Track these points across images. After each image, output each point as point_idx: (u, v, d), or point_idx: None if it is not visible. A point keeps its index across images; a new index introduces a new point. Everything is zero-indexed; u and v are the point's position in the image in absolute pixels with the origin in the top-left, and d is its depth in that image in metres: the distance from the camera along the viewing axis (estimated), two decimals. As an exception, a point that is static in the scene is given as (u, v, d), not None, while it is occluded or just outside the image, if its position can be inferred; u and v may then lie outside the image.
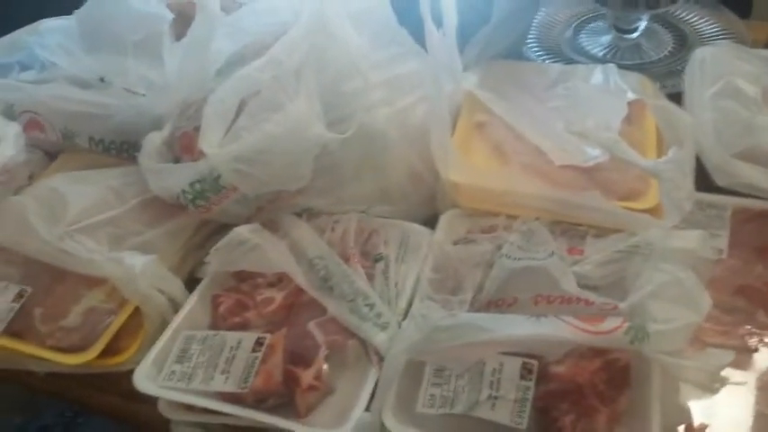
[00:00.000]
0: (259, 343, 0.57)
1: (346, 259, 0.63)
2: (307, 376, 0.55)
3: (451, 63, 0.69)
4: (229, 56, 0.76)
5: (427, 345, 0.51)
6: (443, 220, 0.67)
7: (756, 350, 0.59)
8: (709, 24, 0.94)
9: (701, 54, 0.74)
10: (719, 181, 0.68)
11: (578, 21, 0.98)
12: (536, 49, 0.94)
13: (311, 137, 0.64)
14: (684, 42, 0.93)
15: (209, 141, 0.65)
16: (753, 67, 0.74)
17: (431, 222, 0.69)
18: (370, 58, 0.71)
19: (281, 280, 0.63)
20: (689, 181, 0.60)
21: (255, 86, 0.67)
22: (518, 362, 0.53)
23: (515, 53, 0.90)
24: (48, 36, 0.87)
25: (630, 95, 0.70)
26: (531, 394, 0.51)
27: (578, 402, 0.51)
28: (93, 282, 0.64)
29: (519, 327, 0.51)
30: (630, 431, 0.52)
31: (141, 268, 0.61)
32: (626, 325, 0.50)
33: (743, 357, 0.59)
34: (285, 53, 0.67)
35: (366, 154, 0.70)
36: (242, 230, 0.64)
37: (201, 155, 0.65)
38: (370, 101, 0.70)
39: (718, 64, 0.71)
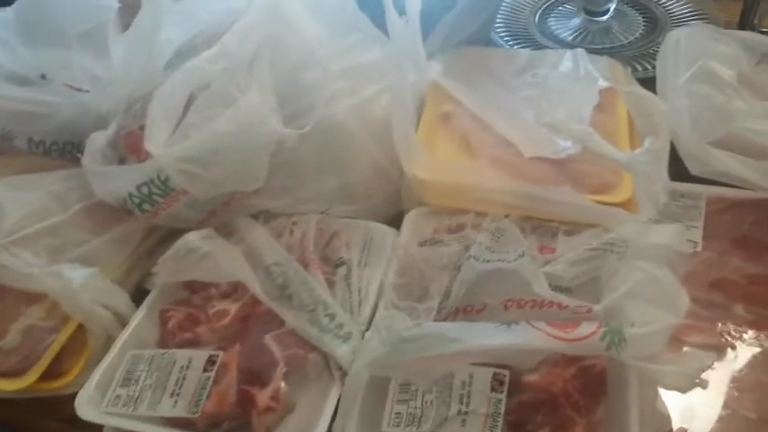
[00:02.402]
0: (211, 361, 0.53)
1: (305, 265, 0.59)
2: (263, 396, 0.51)
3: (415, 51, 0.66)
4: (179, 46, 0.72)
5: (391, 358, 0.48)
6: (408, 220, 0.64)
7: (734, 348, 0.57)
8: (681, 5, 0.91)
9: (675, 36, 0.70)
10: (693, 169, 0.66)
11: (547, 4, 0.94)
12: (504, 34, 0.90)
13: (266, 133, 0.60)
14: (656, 24, 0.90)
15: (155, 141, 0.60)
16: (728, 49, 0.71)
17: (397, 221, 0.65)
18: (329, 46, 0.67)
19: (236, 290, 0.59)
20: (664, 173, 0.57)
21: (205, 79, 0.62)
22: (489, 373, 0.50)
23: (483, 39, 0.86)
24: (-18, 30, 0.81)
25: (601, 83, 0.67)
26: (503, 407, 0.48)
27: (553, 413, 0.48)
28: (33, 298, 0.59)
29: (489, 336, 0.48)
30: (608, 441, 0.49)
31: (82, 282, 0.57)
32: (601, 330, 0.47)
33: (722, 356, 0.56)
34: (237, 43, 0.63)
35: (326, 149, 0.65)
36: (192, 237, 0.60)
37: (148, 155, 0.60)
38: (330, 92, 0.65)
39: (692, 46, 0.68)
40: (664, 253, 0.53)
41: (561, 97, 0.66)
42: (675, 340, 0.57)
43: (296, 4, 0.64)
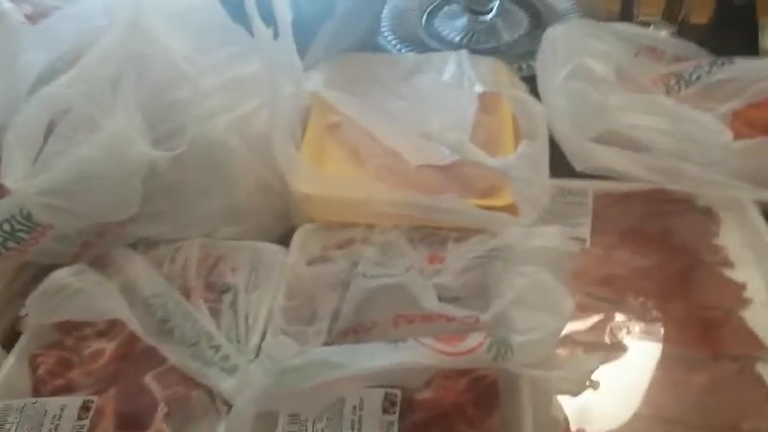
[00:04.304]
0: (85, 408, 0.49)
1: (188, 294, 0.56)
2: (143, 441, 0.48)
3: (289, 63, 0.63)
4: (41, 70, 0.67)
5: (275, 390, 0.46)
6: (296, 238, 0.61)
7: (627, 344, 0.57)
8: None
9: (552, 33, 0.71)
10: (578, 166, 0.66)
11: (432, 5, 0.94)
12: (391, 38, 0.89)
13: (134, 157, 0.56)
14: (539, 20, 0.91)
15: (13, 174, 0.55)
16: (604, 44, 0.73)
17: (289, 238, 0.63)
18: (201, 61, 0.64)
19: (113, 327, 0.55)
20: (543, 175, 0.57)
21: (64, 104, 0.58)
22: (380, 394, 0.48)
23: (370, 44, 0.85)
24: None
25: (478, 87, 0.66)
26: (395, 429, 0.47)
27: (447, 430, 0.47)
28: None
29: (375, 357, 0.46)
30: (505, 450, 0.49)
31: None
32: (487, 341, 0.47)
33: (615, 353, 0.57)
34: (96, 63, 0.59)
35: (207, 169, 0.62)
36: (60, 274, 0.56)
37: (8, 191, 0.56)
38: (206, 109, 0.62)
39: (568, 43, 0.69)
40: (548, 256, 0.53)
41: (439, 104, 0.65)
42: (569, 340, 0.57)
43: (160, 19, 0.61)
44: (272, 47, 0.59)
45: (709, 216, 0.67)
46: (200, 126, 0.61)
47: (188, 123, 0.60)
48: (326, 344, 0.52)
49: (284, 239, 0.63)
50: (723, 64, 0.75)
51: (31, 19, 0.74)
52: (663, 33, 0.82)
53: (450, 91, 0.68)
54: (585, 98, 0.64)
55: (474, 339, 0.47)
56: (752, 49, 0.81)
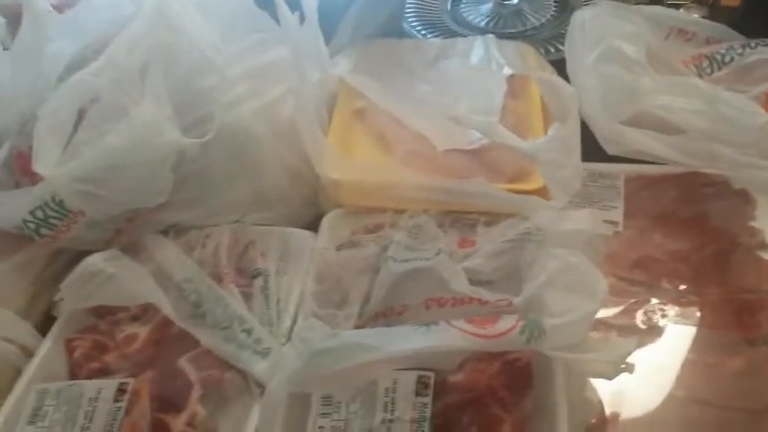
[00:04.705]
0: (121, 390, 0.50)
1: (219, 279, 0.56)
2: (178, 423, 0.48)
3: (316, 48, 0.63)
4: (70, 59, 0.67)
5: (308, 373, 0.46)
6: (325, 223, 0.61)
7: (660, 327, 0.56)
8: (590, -17, 0.91)
9: (579, 16, 0.70)
10: (610, 150, 0.65)
11: (457, -10, 0.93)
12: (416, 23, 0.89)
13: (164, 144, 0.57)
14: (567, 4, 0.89)
15: (45, 162, 0.56)
16: (633, 26, 0.71)
17: (318, 224, 0.63)
18: (227, 48, 0.64)
19: (146, 312, 0.56)
20: (574, 158, 0.56)
21: (93, 93, 0.58)
22: (413, 377, 0.47)
23: (394, 30, 0.84)
24: None
25: (507, 70, 0.66)
26: (428, 411, 0.46)
27: (480, 413, 0.47)
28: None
29: (407, 340, 0.46)
30: (538, 433, 0.48)
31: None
32: (520, 324, 0.46)
33: (648, 336, 0.56)
34: (124, 52, 0.59)
35: (234, 156, 0.63)
36: (94, 260, 0.56)
37: (40, 177, 0.56)
38: (232, 96, 0.62)
39: (597, 26, 0.68)
40: (580, 238, 0.52)
41: (466, 88, 0.65)
42: (602, 323, 0.56)
43: (186, 8, 0.61)
44: (298, 33, 0.59)
45: (744, 199, 0.65)
46: (227, 113, 0.61)
47: (215, 111, 0.60)
48: (357, 327, 0.52)
49: (313, 225, 0.63)
50: (756, 46, 0.74)
51: (58, 8, 0.75)
52: (694, 15, 0.81)
53: (477, 74, 0.67)
54: (617, 80, 0.63)
55: (507, 322, 0.47)
56: (784, 31, 0.79)
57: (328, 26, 0.71)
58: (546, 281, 0.49)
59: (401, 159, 0.65)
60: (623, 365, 0.48)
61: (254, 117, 0.63)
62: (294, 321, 0.55)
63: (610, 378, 0.48)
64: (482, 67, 0.69)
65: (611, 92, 0.63)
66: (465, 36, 0.83)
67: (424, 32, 0.87)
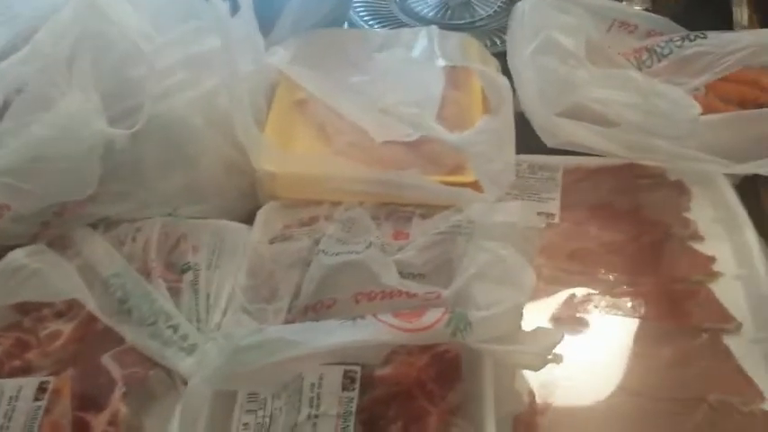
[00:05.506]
0: (42, 389, 0.48)
1: (148, 274, 0.55)
2: (99, 422, 0.47)
3: (251, 38, 0.62)
4: (2, 47, 0.65)
5: (231, 369, 0.45)
6: (260, 216, 0.60)
7: (593, 318, 0.57)
8: (537, -25, 0.91)
9: (520, 8, 0.69)
10: (547, 141, 0.65)
11: (406, -20, 0.92)
12: (364, 13, 0.88)
13: (90, 135, 0.55)
14: (515, -5, 0.89)
15: (-35, 154, 0.54)
16: (574, 18, 0.71)
17: (254, 217, 0.62)
18: (161, 37, 0.62)
19: (71, 308, 0.54)
20: (506, 150, 0.56)
21: (18, 82, 0.57)
22: (339, 371, 0.47)
23: (341, 20, 0.83)
24: None
25: (441, 62, 0.65)
26: (354, 406, 0.46)
27: (406, 406, 0.47)
28: None
29: (333, 335, 0.45)
30: (467, 424, 0.48)
31: None
32: (446, 317, 0.46)
33: (581, 327, 0.56)
34: (51, 41, 0.57)
35: (167, 147, 0.61)
36: (17, 255, 0.55)
37: (-37, 171, 0.55)
38: (165, 86, 0.61)
39: (537, 17, 0.68)
40: (511, 231, 0.52)
41: (403, 79, 0.64)
42: (536, 314, 0.57)
43: (114, -4, 0.59)
44: (230, 22, 0.58)
45: (679, 190, 0.66)
46: (159, 103, 0.59)
47: (146, 101, 0.59)
48: (287, 322, 0.51)
49: (251, 218, 0.62)
50: (696, 38, 0.74)
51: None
52: (636, 8, 0.81)
53: (415, 66, 0.67)
54: (553, 72, 0.63)
55: (432, 315, 0.46)
56: (726, 24, 0.80)
57: (270, 15, 0.70)
58: (475, 273, 0.49)
59: (341, 151, 0.64)
60: (550, 356, 0.48)
61: (188, 107, 0.61)
62: (224, 317, 0.54)
63: (536, 369, 0.48)
64: (421, 59, 0.68)
65: (547, 84, 0.63)
66: (411, 27, 0.82)
67: (371, 22, 0.86)
